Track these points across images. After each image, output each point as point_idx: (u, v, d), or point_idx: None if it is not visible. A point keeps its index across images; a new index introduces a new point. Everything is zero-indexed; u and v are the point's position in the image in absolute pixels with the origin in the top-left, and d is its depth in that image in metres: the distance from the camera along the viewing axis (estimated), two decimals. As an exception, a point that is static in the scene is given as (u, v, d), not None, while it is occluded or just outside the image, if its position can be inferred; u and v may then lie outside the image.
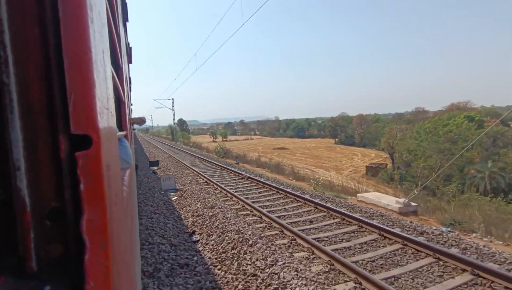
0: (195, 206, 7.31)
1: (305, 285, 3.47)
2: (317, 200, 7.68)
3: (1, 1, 0.32)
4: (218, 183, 10.39)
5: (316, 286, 3.45)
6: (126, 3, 3.48)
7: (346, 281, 3.99)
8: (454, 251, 4.63)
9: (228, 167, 14.31)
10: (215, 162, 16.38)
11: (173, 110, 43.92)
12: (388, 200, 8.62)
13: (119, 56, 1.75)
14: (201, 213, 6.69)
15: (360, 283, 3.86)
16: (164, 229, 5.68)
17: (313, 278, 3.68)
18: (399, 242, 5.06)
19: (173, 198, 8.63)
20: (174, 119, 47.59)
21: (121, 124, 1.88)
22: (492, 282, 3.82)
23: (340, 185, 16.25)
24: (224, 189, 9.47)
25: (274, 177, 13.95)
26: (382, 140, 33.28)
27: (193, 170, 13.81)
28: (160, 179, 10.11)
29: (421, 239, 5.10)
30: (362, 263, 4.49)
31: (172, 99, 43.04)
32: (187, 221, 6.48)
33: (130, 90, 5.58)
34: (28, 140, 0.34)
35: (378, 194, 10.31)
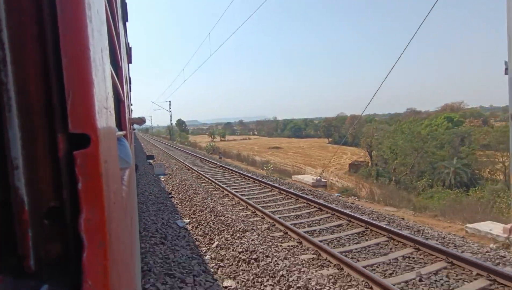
0: (175, 182, 10.96)
1: (227, 210, 6.96)
2: (257, 178, 11.38)
3: None
4: (196, 170, 14.07)
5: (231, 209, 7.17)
6: (126, 3, 3.48)
7: (262, 218, 6.98)
8: (331, 204, 7.74)
9: (210, 160, 17.75)
10: (201, 157, 20.13)
11: (170, 111, 46.53)
12: (308, 178, 12.42)
13: (118, 55, 1.75)
14: (177, 184, 10.43)
15: (263, 217, 7.00)
16: (153, 191, 9.50)
17: (237, 212, 7.15)
18: (304, 202, 8.07)
19: (162, 179, 12.06)
20: (171, 120, 50.01)
21: (120, 124, 1.87)
22: (338, 216, 6.84)
23: (293, 171, 19.25)
24: (199, 173, 13.24)
25: (246, 167, 16.98)
26: (361, 139, 36.05)
27: (181, 162, 17.56)
28: (153, 167, 13.39)
29: (321, 201, 7.92)
30: (278, 207, 7.90)
31: (169, 101, 45.90)
32: (168, 189, 10.29)
33: (130, 90, 5.58)
34: (26, 139, 0.34)
35: (307, 175, 14.39)
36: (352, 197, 10.16)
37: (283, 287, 3.68)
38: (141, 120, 5.12)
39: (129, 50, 4.71)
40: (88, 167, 0.36)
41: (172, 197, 9.11)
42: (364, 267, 4.30)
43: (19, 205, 0.34)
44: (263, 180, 10.79)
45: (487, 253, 4.84)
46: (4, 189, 0.34)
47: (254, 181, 11.09)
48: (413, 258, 4.72)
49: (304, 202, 7.97)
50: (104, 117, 0.45)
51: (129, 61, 5.00)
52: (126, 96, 2.57)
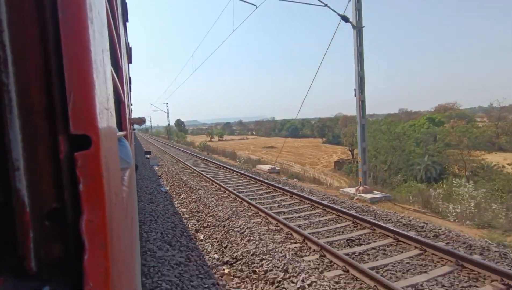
0: (164, 169, 14.54)
1: (194, 182, 10.88)
2: (227, 166, 14.91)
3: (0, 0, 0.32)
4: (183, 161, 17.66)
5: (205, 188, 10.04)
6: (126, 3, 3.48)
7: (214, 185, 10.84)
8: (265, 179, 11.14)
9: (198, 155, 21.56)
10: (192, 153, 23.72)
11: (168, 113, 50.46)
12: (265, 167, 15.64)
13: (119, 56, 1.75)
14: (167, 171, 13.95)
15: (215, 185, 10.87)
16: (148, 174, 12.78)
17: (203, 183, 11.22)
18: (259, 183, 10.79)
19: (156, 168, 15.18)
20: (168, 121, 54.61)
21: (121, 124, 1.87)
22: (267, 186, 10.22)
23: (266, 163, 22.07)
24: (184, 163, 16.92)
25: (226, 161, 19.83)
26: (343, 138, 39.40)
27: (173, 156, 21.15)
28: (150, 160, 17.00)
29: (260, 179, 11.24)
30: (229, 181, 11.55)
31: (167, 103, 49.59)
32: (159, 173, 13.56)
33: (130, 90, 5.58)
34: (28, 140, 0.34)
35: (267, 165, 17.02)
36: (295, 179, 13.29)
37: (209, 205, 7.50)
38: (141, 120, 5.12)
39: (129, 50, 4.71)
40: (89, 169, 0.36)
41: (161, 177, 12.72)
42: (263, 204, 8.14)
43: (20, 206, 0.34)
44: (230, 167, 14.44)
45: (342, 201, 8.28)
46: (5, 190, 0.34)
47: (223, 168, 14.91)
48: (288, 200, 8.61)
49: (248, 179, 11.69)
50: (105, 118, 0.45)
51: (129, 61, 5.00)
52: (126, 96, 2.57)
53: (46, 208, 0.35)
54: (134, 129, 7.29)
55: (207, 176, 12.23)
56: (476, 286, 3.95)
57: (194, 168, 14.69)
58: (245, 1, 10.05)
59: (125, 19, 3.49)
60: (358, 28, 8.93)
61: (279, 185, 9.79)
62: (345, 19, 8.97)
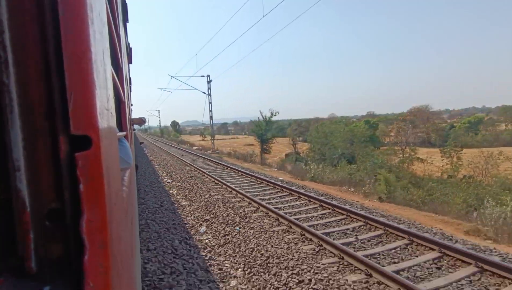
0: (152, 152, 23.80)
1: (169, 158, 19.70)
2: (190, 151, 24.14)
3: (1, 1, 0.32)
4: (164, 149, 25.91)
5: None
6: (126, 3, 3.48)
7: (173, 156, 20.14)
8: (204, 155, 20.37)
9: (177, 147, 30.47)
10: (173, 145, 33.08)
11: (159, 117, 67.06)
12: (217, 151, 24.58)
13: (119, 56, 1.75)
14: (154, 153, 22.57)
15: (174, 155, 20.69)
16: (140, 154, 20.67)
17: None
18: (202, 157, 19.36)
19: (145, 151, 23.84)
20: (160, 124, 75.50)
21: (121, 125, 1.88)
22: (208, 160, 17.66)
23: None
24: (164, 150, 25.08)
25: (203, 153, 24.77)
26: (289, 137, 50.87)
27: (158, 146, 30.70)
28: (142, 146, 26.38)
29: (205, 157, 19.22)
30: (186, 157, 19.74)
31: (159, 110, 64.17)
32: (149, 154, 21.61)
33: (130, 91, 5.58)
34: (28, 140, 0.34)
35: (219, 150, 25.16)
36: (226, 157, 21.19)
37: (160, 154, 21.93)
38: (141, 121, 5.13)
39: (129, 51, 4.71)
40: (89, 169, 0.36)
41: (146, 150, 23.45)
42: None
43: (20, 207, 0.34)
44: (192, 152, 23.33)
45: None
46: (5, 190, 0.34)
47: (187, 151, 23.92)
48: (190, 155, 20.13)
49: (185, 151, 23.92)
50: (106, 118, 0.45)
51: (130, 62, 5.01)
52: (126, 96, 2.57)
53: (46, 208, 0.35)
54: (134, 130, 7.29)
55: (175, 154, 20.34)
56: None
57: (169, 152, 23.03)
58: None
59: (125, 20, 3.49)
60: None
61: (189, 151, 22.55)
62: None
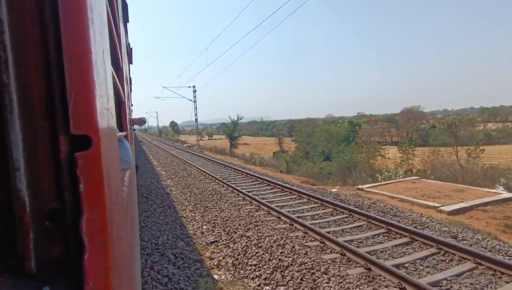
0: (149, 148, 28.92)
1: (159, 150, 27.35)
2: (180, 147, 30.75)
3: (1, 1, 0.32)
4: (158, 145, 32.99)
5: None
6: (126, 4, 3.49)
7: (164, 151, 26.58)
8: (188, 150, 27.11)
9: (170, 144, 36.40)
10: (168, 143, 39.03)
11: (157, 119, 72.76)
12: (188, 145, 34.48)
13: (119, 56, 1.75)
14: (150, 149, 27.87)
15: (164, 150, 28.34)
16: (139, 148, 25.63)
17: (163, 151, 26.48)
18: (186, 151, 25.66)
19: (143, 147, 29.34)
20: (158, 124, 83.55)
21: (121, 125, 1.88)
22: (190, 153, 24.07)
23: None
24: (158, 146, 31.78)
25: (189, 148, 29.88)
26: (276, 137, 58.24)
27: (154, 144, 35.53)
28: (141, 143, 32.77)
29: (190, 151, 25.70)
30: (173, 150, 26.72)
31: (157, 112, 68.68)
32: (145, 148, 28.40)
33: (131, 91, 5.58)
34: (28, 141, 0.34)
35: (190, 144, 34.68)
36: (207, 152, 26.38)
37: (152, 145, 34.46)
38: (142, 121, 5.13)
39: (129, 51, 4.71)
40: (89, 169, 0.36)
41: (144, 145, 30.57)
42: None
43: (20, 207, 0.34)
44: (181, 147, 28.62)
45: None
46: (5, 190, 0.34)
47: (177, 147, 28.75)
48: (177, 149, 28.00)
49: (172, 146, 32.22)
50: (106, 118, 0.45)
51: (130, 62, 5.01)
52: (126, 96, 2.57)
53: (46, 208, 0.35)
54: (134, 130, 7.30)
55: (165, 148, 26.99)
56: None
57: (162, 147, 28.56)
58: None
59: (126, 20, 3.49)
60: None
61: (177, 146, 29.65)
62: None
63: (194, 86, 30.95)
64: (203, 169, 13.28)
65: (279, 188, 9.25)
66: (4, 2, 0.32)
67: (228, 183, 9.98)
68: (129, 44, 4.56)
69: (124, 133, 1.56)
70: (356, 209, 6.58)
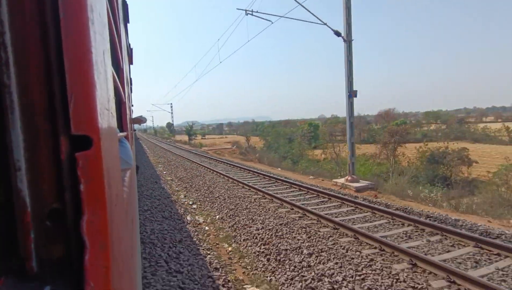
0: (145, 141, 47.01)
1: (151, 143, 41.07)
2: (169, 144, 38.70)
3: (2, 2, 0.32)
4: (152, 142, 43.37)
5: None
6: (126, 4, 3.49)
7: (150, 143, 42.32)
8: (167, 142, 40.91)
9: (163, 141, 46.25)
10: (158, 139, 52.23)
11: (153, 121, 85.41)
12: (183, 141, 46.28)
13: (119, 57, 1.75)
14: (146, 142, 42.92)
15: (149, 142, 45.27)
16: (137, 144, 32.00)
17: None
18: (169, 143, 39.93)
19: (140, 141, 42.13)
20: (153, 125, 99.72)
21: (121, 125, 1.88)
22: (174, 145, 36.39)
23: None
24: (152, 142, 43.28)
25: (172, 143, 40.01)
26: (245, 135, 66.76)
27: (150, 141, 44.17)
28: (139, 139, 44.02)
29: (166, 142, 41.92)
30: (159, 141, 45.39)
31: (152, 116, 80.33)
32: (142, 142, 42.18)
33: (131, 91, 5.58)
34: (29, 141, 0.34)
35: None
36: (180, 142, 41.49)
37: (146, 139, 52.80)
38: (141, 120, 5.12)
39: (130, 51, 4.71)
40: (90, 169, 0.36)
41: (141, 142, 40.59)
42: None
43: (21, 207, 0.34)
44: (168, 143, 39.09)
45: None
46: (6, 190, 0.34)
47: (162, 142, 40.15)
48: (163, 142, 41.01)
49: (164, 142, 40.33)
50: (106, 119, 0.45)
51: (130, 62, 5.01)
52: (127, 97, 2.57)
53: (47, 208, 0.35)
54: (134, 130, 7.30)
55: (154, 142, 39.57)
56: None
57: (155, 142, 33.70)
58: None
59: (126, 20, 3.50)
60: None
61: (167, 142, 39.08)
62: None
63: (171, 104, 49.17)
64: (164, 147, 29.01)
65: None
66: (5, 3, 0.32)
67: (171, 150, 24.94)
68: (129, 44, 4.56)
69: (125, 133, 1.56)
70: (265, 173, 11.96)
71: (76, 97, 0.36)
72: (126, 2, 3.42)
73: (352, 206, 7.04)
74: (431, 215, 6.42)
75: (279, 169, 15.67)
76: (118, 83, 1.50)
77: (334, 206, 7.21)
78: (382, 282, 3.69)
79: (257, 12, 10.91)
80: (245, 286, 4.02)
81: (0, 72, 0.32)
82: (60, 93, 0.35)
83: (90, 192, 0.36)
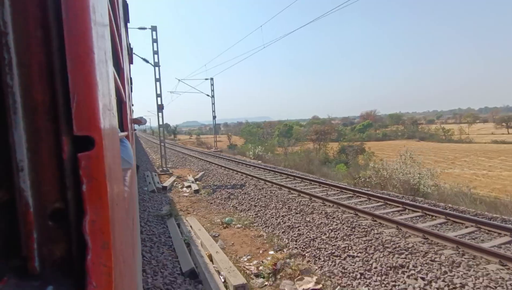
0: (143, 139, 51.56)
1: (147, 140, 49.35)
2: (168, 142, 37.82)
3: (5, 3, 0.32)
4: (148, 139, 52.93)
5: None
6: (127, 4, 3.49)
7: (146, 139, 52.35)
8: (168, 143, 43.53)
9: (152, 137, 61.06)
10: (155, 138, 50.46)
11: (150, 122, 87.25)
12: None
13: (120, 56, 1.75)
14: (143, 140, 50.63)
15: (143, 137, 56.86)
16: (136, 140, 29.75)
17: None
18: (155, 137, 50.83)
19: (139, 139, 46.49)
20: (151, 126, 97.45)
21: (122, 125, 1.88)
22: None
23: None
24: (149, 139, 52.03)
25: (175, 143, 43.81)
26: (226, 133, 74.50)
27: (146, 138, 54.33)
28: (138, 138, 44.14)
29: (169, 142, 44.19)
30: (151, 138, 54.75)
31: (150, 118, 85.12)
32: (141, 141, 45.48)
33: (131, 91, 5.58)
34: (31, 141, 0.34)
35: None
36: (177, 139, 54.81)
37: (149, 143, 43.09)
38: (140, 121, 5.12)
39: (130, 51, 4.71)
40: (92, 169, 0.37)
41: (140, 139, 45.06)
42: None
43: (24, 207, 0.34)
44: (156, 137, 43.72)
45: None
46: (9, 190, 0.34)
47: (154, 138, 48.10)
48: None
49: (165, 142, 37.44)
50: (108, 119, 0.45)
51: (130, 62, 5.01)
52: (127, 97, 2.57)
53: (50, 208, 0.35)
54: (135, 130, 7.30)
55: (151, 139, 45.17)
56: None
57: (151, 140, 38.73)
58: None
59: (126, 20, 3.50)
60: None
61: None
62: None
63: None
64: (156, 142, 32.66)
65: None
66: (8, 4, 0.32)
67: (156, 141, 32.97)
68: (129, 44, 4.56)
69: (126, 133, 1.56)
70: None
71: (78, 98, 0.36)
72: (126, 2, 3.42)
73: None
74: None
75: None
76: (119, 82, 1.50)
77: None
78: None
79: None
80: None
81: (3, 72, 0.33)
82: (62, 94, 0.35)
83: (92, 192, 0.36)
